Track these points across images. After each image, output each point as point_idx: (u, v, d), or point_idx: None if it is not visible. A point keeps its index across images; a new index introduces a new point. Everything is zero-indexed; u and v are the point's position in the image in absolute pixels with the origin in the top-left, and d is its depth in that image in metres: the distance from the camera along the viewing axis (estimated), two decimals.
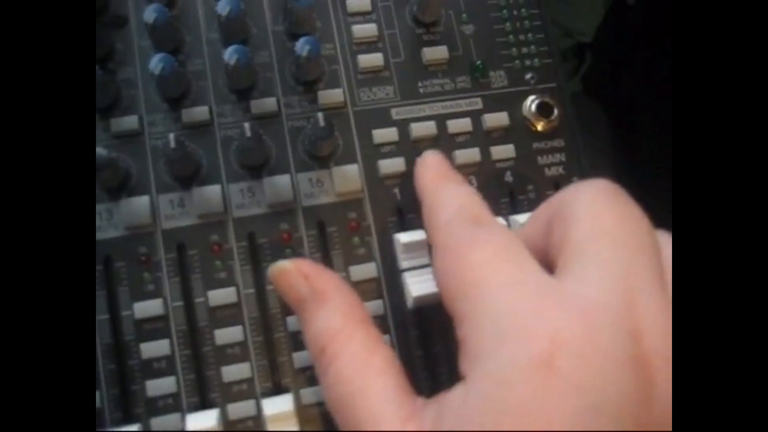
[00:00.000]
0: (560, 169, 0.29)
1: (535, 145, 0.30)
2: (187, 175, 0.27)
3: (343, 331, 0.21)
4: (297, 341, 0.26)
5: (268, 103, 0.28)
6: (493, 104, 0.30)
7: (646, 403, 0.17)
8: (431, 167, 0.26)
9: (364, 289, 0.26)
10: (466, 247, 0.20)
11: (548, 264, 0.20)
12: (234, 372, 0.25)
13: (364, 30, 0.30)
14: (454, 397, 0.18)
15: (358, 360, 0.21)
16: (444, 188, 0.25)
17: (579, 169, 0.30)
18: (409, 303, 0.26)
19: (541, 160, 0.29)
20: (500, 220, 0.27)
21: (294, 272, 0.23)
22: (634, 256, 0.19)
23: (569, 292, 0.18)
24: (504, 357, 0.17)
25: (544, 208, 0.22)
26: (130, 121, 0.27)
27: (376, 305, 0.27)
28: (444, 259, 0.21)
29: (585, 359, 0.16)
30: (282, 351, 0.26)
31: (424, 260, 0.27)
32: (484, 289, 0.19)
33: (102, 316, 0.25)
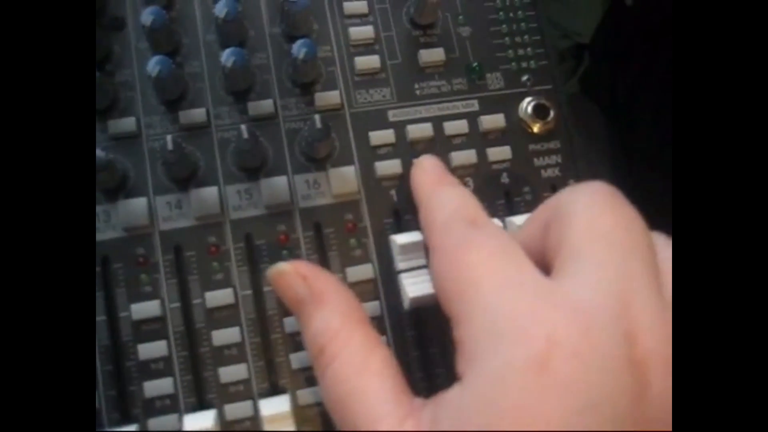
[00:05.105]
0: (556, 171, 0.30)
1: (531, 146, 0.30)
2: (184, 177, 0.27)
3: (341, 331, 0.21)
4: (294, 342, 0.26)
5: (265, 105, 0.28)
6: (489, 106, 0.30)
7: (642, 403, 0.17)
8: (427, 170, 0.27)
9: (360, 291, 0.27)
10: (463, 248, 0.20)
11: (545, 266, 0.20)
12: (231, 373, 0.26)
13: (361, 32, 0.30)
14: (451, 396, 0.19)
15: (356, 360, 0.21)
16: (440, 190, 0.25)
17: (575, 171, 0.30)
18: (406, 304, 0.26)
19: (537, 161, 0.30)
20: (497, 221, 0.27)
21: (292, 273, 0.23)
22: (629, 258, 0.19)
23: (565, 294, 0.18)
24: (500, 357, 0.17)
25: (541, 211, 0.23)
26: (127, 123, 0.27)
27: (372, 306, 0.27)
28: (440, 261, 0.21)
29: (580, 359, 0.17)
30: (279, 352, 0.26)
31: (421, 261, 0.27)
32: (481, 290, 0.19)
33: (100, 317, 0.25)
